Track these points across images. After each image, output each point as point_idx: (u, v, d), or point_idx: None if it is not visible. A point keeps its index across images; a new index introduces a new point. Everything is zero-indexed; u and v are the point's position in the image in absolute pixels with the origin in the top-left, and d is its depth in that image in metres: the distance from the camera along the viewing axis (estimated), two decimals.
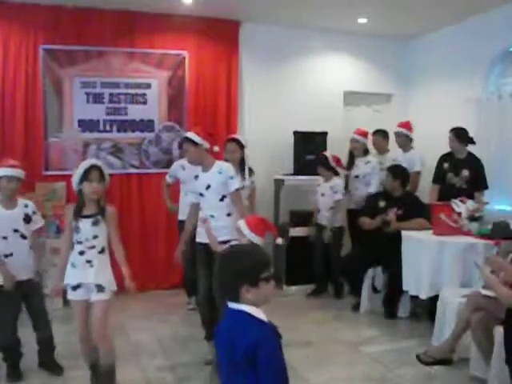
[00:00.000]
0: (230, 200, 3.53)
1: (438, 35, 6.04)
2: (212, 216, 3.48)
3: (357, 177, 5.39)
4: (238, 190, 3.54)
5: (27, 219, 3.33)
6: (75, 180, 2.93)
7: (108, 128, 5.42)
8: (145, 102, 5.53)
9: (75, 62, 5.26)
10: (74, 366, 3.43)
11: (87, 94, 5.33)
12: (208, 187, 3.52)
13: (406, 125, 5.35)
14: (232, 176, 3.52)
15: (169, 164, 5.58)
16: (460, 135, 4.73)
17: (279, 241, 3.11)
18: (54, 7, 5.10)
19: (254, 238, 2.93)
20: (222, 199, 3.52)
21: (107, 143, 5.42)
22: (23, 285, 3.30)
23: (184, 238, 3.74)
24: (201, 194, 3.58)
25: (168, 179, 4.98)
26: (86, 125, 5.34)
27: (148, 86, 5.53)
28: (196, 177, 3.63)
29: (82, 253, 2.93)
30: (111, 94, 5.41)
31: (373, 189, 5.22)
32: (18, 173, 3.29)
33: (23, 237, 3.30)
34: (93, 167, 2.92)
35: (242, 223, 2.98)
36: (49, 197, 4.97)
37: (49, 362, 3.46)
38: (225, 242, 3.33)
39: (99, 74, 5.35)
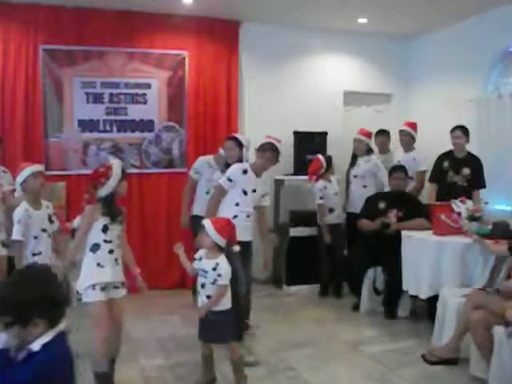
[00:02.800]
0: (259, 213, 3.85)
1: (437, 35, 6.04)
2: (248, 216, 3.70)
3: (355, 176, 5.39)
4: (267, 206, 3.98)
5: (50, 219, 3.46)
6: (115, 181, 2.95)
7: (108, 128, 5.42)
8: (145, 102, 5.53)
9: (75, 62, 5.26)
10: None
11: (87, 94, 5.33)
12: (254, 191, 3.70)
13: (412, 125, 5.38)
14: (268, 192, 3.96)
15: (169, 164, 5.60)
16: (467, 132, 4.78)
17: (236, 248, 3.16)
18: (54, 7, 5.11)
19: (218, 239, 3.00)
20: (254, 207, 3.79)
21: (107, 143, 5.42)
22: None
23: None
24: (244, 192, 3.66)
25: (194, 175, 4.78)
26: (86, 125, 5.34)
27: (148, 85, 5.53)
28: (245, 171, 3.70)
29: (111, 251, 2.98)
30: (111, 94, 5.41)
31: (385, 185, 5.17)
32: (39, 166, 3.45)
33: (49, 236, 3.42)
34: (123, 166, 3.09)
35: (207, 223, 3.03)
36: (49, 197, 4.95)
37: None
38: (247, 243, 3.42)
39: (99, 74, 5.35)
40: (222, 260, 3.02)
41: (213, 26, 5.66)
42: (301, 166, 5.65)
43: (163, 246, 5.53)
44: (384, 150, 5.64)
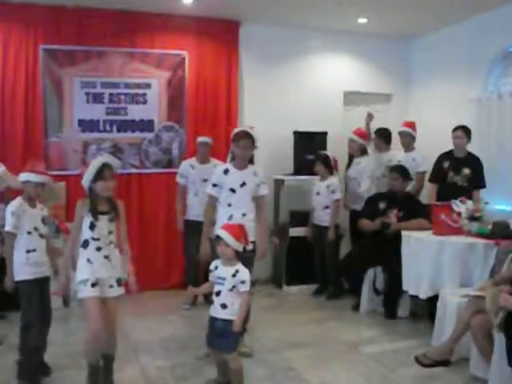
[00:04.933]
0: (256, 203, 3.67)
1: (437, 35, 6.04)
2: (244, 214, 3.53)
3: (350, 179, 5.44)
4: (265, 195, 3.73)
5: (43, 221, 3.42)
6: (87, 179, 2.95)
7: (108, 128, 5.42)
8: (145, 102, 5.53)
9: (75, 62, 5.26)
10: (72, 366, 3.42)
11: (87, 94, 5.33)
12: (243, 184, 3.58)
13: (411, 125, 5.36)
14: (264, 181, 3.71)
15: (169, 164, 5.60)
16: (469, 132, 4.77)
17: (248, 248, 3.13)
18: (54, 7, 5.10)
19: (238, 246, 2.98)
20: (252, 199, 3.65)
21: (107, 143, 5.42)
22: (42, 282, 3.33)
23: (207, 234, 3.67)
24: (232, 190, 3.58)
25: (180, 180, 4.92)
26: (86, 125, 5.34)
27: (148, 85, 5.52)
28: (226, 171, 3.62)
29: (99, 249, 2.96)
30: (111, 94, 5.41)
31: (363, 190, 5.22)
32: (45, 179, 3.38)
33: (41, 236, 3.37)
34: (105, 166, 2.98)
35: (224, 234, 2.99)
36: (49, 197, 4.95)
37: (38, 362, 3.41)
38: (251, 243, 3.38)
39: (99, 74, 5.35)
40: (241, 266, 3.00)
41: (213, 26, 5.66)
42: (301, 166, 5.65)
43: (163, 246, 5.54)
44: (380, 149, 5.62)
